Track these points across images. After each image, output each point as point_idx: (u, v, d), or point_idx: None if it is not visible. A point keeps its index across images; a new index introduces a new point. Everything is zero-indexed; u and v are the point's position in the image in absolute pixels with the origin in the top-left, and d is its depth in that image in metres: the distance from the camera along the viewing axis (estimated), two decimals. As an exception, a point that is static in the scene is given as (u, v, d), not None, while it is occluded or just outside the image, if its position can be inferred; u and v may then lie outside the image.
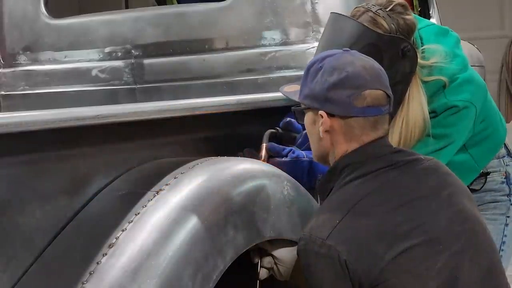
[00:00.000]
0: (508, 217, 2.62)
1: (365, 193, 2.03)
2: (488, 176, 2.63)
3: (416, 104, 2.43)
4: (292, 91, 2.24)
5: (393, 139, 2.42)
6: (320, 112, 2.09)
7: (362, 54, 2.15)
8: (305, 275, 2.02)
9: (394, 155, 2.10)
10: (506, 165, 2.65)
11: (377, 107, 2.07)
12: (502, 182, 2.64)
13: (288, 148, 2.47)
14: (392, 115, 2.40)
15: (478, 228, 2.08)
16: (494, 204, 2.64)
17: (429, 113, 2.45)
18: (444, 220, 2.02)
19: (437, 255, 1.96)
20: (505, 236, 2.63)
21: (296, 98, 2.20)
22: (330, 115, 2.08)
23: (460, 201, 2.09)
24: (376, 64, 2.14)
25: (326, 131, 2.09)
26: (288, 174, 2.28)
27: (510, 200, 2.64)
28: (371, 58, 2.14)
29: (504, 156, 2.68)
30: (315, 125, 2.12)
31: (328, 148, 2.12)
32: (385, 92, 2.08)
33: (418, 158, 2.14)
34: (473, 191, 2.59)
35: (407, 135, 2.44)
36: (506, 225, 2.59)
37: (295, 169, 2.39)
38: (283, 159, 2.42)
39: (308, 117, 2.15)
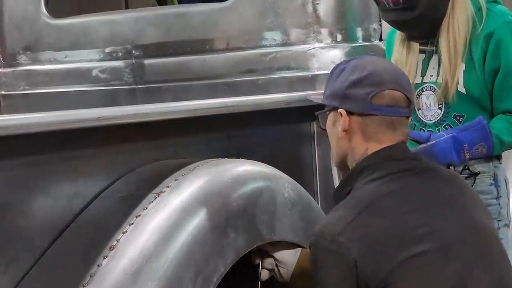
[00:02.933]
0: (499, 221, 2.61)
1: (382, 193, 2.02)
2: (477, 177, 2.62)
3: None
4: (318, 96, 2.27)
5: (442, 35, 2.53)
6: (340, 110, 2.10)
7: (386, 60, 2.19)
8: (312, 270, 2.01)
9: (413, 161, 2.11)
10: (495, 167, 2.64)
11: (394, 107, 2.08)
12: (491, 184, 2.63)
13: (425, 133, 2.56)
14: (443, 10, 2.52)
15: (491, 239, 2.07)
16: None
17: (488, 36, 2.52)
18: (457, 229, 2.01)
19: (447, 263, 1.95)
20: None
21: (320, 101, 2.21)
22: (349, 113, 2.09)
23: (475, 211, 2.08)
24: (399, 68, 2.19)
25: (345, 130, 2.10)
26: (437, 154, 2.40)
27: (499, 204, 2.63)
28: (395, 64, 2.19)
29: (492, 158, 2.67)
30: (335, 126, 2.12)
31: (347, 148, 2.12)
32: (405, 95, 2.09)
33: (436, 167, 2.15)
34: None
35: (454, 28, 2.53)
36: (498, 228, 2.58)
37: (443, 147, 2.46)
38: (427, 144, 2.49)
39: (330, 118, 2.16)
